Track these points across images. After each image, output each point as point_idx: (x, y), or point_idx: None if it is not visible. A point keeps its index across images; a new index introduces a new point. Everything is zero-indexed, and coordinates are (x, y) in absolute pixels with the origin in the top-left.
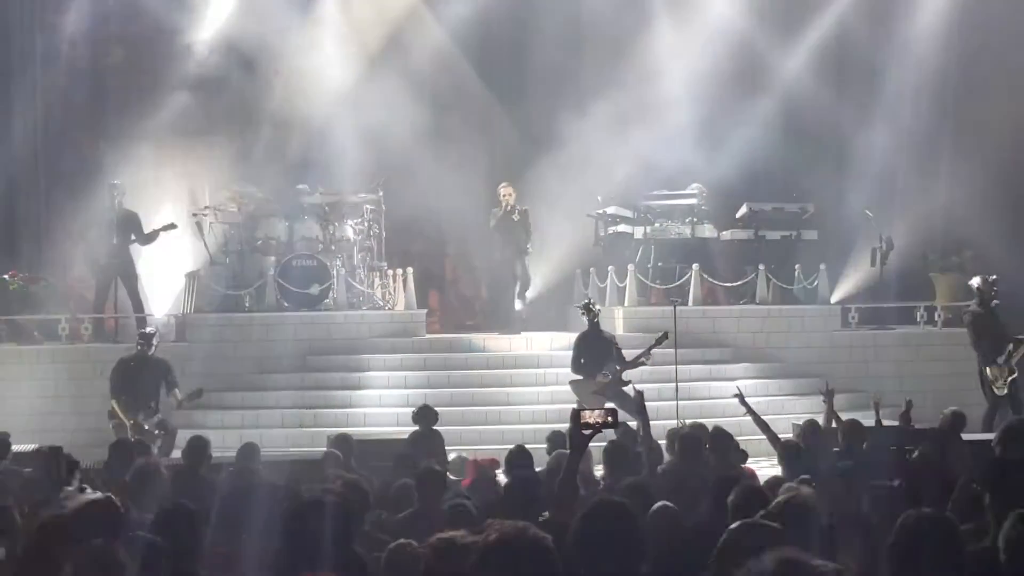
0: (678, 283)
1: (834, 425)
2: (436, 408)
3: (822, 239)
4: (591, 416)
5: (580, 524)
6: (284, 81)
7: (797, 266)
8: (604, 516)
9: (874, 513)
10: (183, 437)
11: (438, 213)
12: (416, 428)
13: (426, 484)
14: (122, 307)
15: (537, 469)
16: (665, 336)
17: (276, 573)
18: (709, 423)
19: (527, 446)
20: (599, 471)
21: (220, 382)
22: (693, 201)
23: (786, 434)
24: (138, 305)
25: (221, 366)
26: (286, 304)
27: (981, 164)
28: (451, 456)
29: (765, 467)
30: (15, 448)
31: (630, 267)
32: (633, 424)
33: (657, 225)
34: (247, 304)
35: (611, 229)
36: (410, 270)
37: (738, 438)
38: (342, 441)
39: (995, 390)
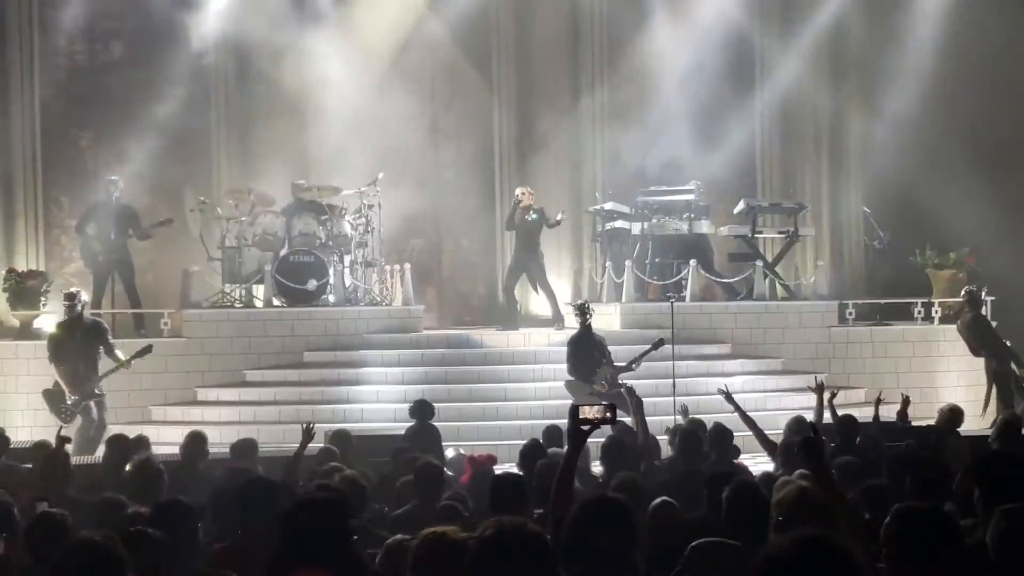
0: (675, 279)
1: (828, 420)
2: (434, 404)
3: (819, 235)
4: (589, 412)
5: (573, 520)
6: (283, 76)
7: (795, 262)
8: (597, 512)
9: (868, 509)
10: (179, 433)
11: (436, 209)
12: (413, 423)
13: (424, 479)
14: (119, 302)
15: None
16: (661, 342)
17: (274, 569)
18: (707, 419)
19: (523, 442)
20: (597, 467)
21: (217, 378)
22: (691, 197)
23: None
24: (136, 300)
25: (218, 362)
26: (283, 300)
27: (978, 160)
28: (448, 452)
29: (763, 463)
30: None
31: (627, 263)
32: (629, 420)
33: (654, 221)
34: (244, 299)
35: (608, 225)
36: (407, 266)
37: (735, 434)
38: (340, 437)
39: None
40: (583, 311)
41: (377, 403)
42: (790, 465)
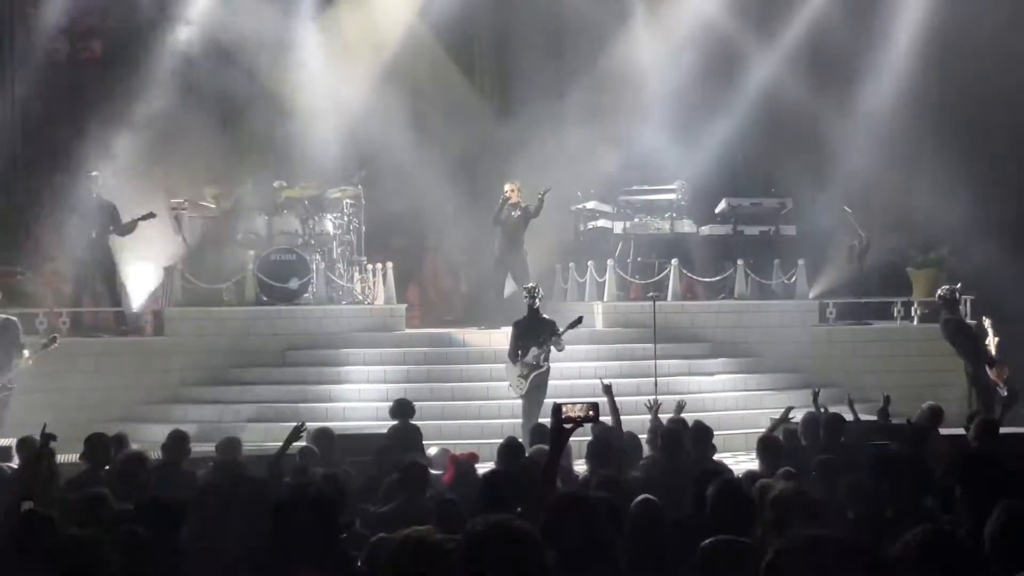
0: (657, 278)
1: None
2: (416, 403)
3: (800, 234)
4: (572, 410)
5: (546, 518)
6: (264, 74)
7: (775, 261)
8: (567, 510)
9: (851, 506)
10: (162, 432)
11: (418, 208)
12: (394, 422)
13: (410, 478)
14: (100, 300)
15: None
16: (580, 320)
17: (259, 568)
18: (688, 418)
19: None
20: (579, 466)
21: (199, 376)
22: (672, 196)
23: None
24: (116, 298)
25: (200, 360)
26: (265, 298)
27: (958, 160)
28: (431, 450)
29: (743, 461)
30: None
31: (609, 262)
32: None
33: (636, 220)
34: (226, 298)
35: (591, 224)
36: (390, 265)
37: (716, 432)
38: (322, 436)
39: (1000, 390)
40: (532, 294)
41: (359, 402)
42: (769, 462)
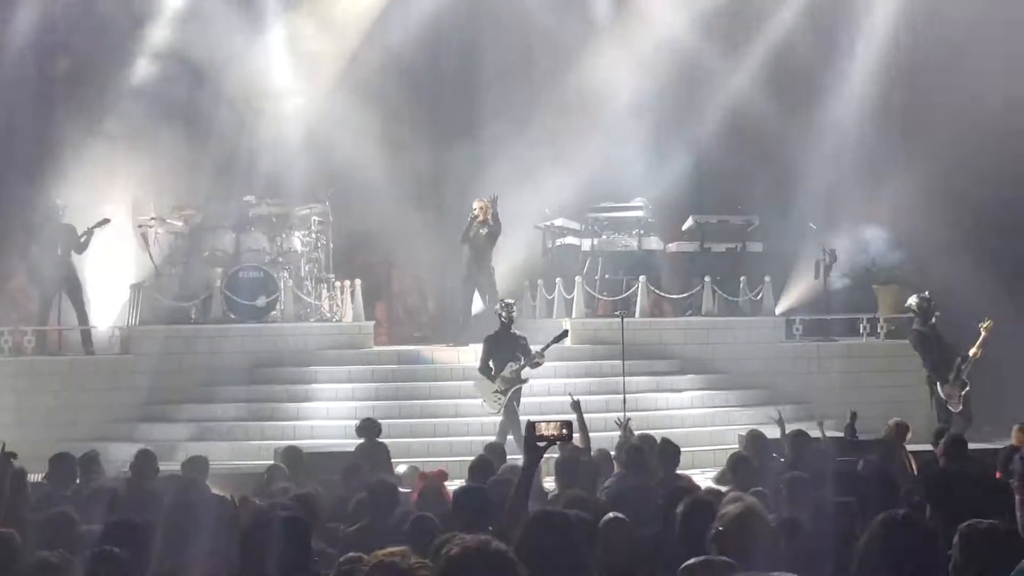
0: (625, 295)
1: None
2: (384, 420)
3: (767, 251)
4: (546, 428)
5: (521, 536)
6: (231, 91)
7: (742, 278)
8: (544, 527)
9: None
10: (129, 451)
11: (385, 225)
12: (360, 441)
13: (378, 496)
14: (66, 319)
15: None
16: (565, 333)
17: None
18: (656, 435)
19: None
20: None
21: (166, 395)
22: (640, 213)
23: (733, 445)
24: (82, 316)
25: (167, 379)
26: (233, 316)
27: (924, 177)
28: (400, 468)
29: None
30: None
31: (577, 279)
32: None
33: (604, 237)
34: (193, 316)
35: (559, 241)
36: (358, 282)
37: (684, 449)
38: (291, 454)
39: (951, 407)
40: (508, 310)
41: (327, 419)
42: (739, 480)
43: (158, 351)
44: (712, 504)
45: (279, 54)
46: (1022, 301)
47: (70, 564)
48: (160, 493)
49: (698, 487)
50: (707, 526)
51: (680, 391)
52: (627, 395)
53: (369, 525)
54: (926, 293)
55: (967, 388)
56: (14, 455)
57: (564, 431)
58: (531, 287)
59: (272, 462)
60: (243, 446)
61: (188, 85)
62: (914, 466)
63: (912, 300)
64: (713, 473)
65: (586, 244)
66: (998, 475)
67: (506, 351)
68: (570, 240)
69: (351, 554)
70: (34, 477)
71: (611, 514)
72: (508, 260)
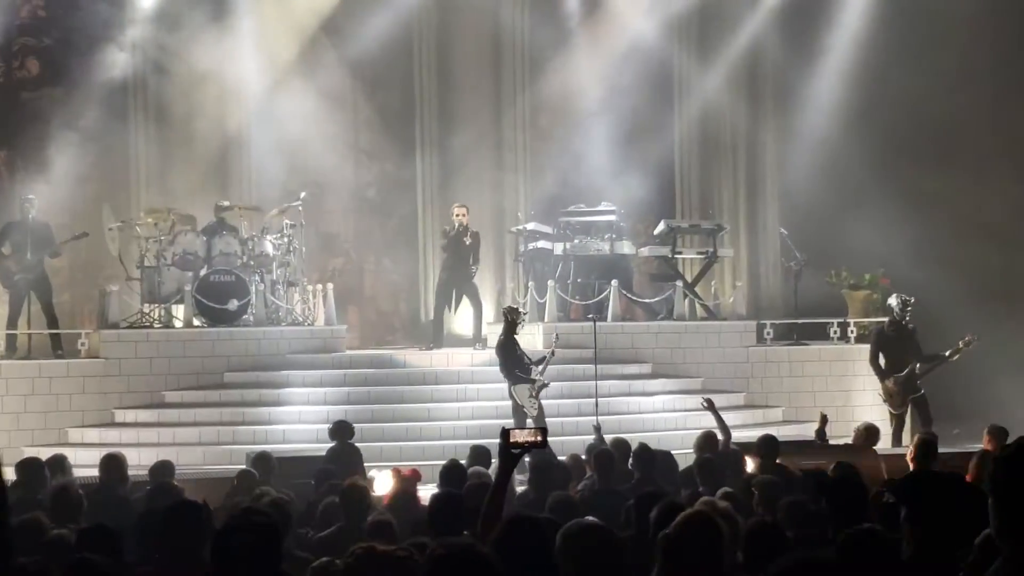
0: (597, 299)
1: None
2: (357, 424)
3: (738, 256)
4: (520, 435)
5: (497, 540)
6: (203, 95)
7: (714, 282)
8: (518, 532)
9: (789, 527)
10: (97, 456)
11: (357, 228)
12: (333, 444)
13: (350, 500)
14: (35, 322)
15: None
16: (557, 337)
17: None
18: (630, 439)
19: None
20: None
21: (136, 399)
22: (612, 218)
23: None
24: (53, 320)
25: (137, 383)
26: (204, 320)
27: (894, 182)
28: (371, 472)
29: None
30: None
31: (550, 283)
32: None
33: (576, 241)
34: (164, 320)
35: (531, 245)
36: (330, 286)
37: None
38: (262, 460)
39: (890, 407)
40: (515, 315)
41: (299, 424)
42: (707, 482)
43: (128, 355)
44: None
45: (251, 59)
46: (993, 306)
47: (48, 570)
48: (130, 498)
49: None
50: None
51: (652, 395)
52: (599, 399)
53: (341, 529)
54: (908, 298)
55: (918, 394)
56: None
57: (539, 438)
58: (503, 291)
59: (243, 467)
60: (214, 451)
61: (159, 89)
62: (884, 470)
63: (892, 300)
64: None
65: (558, 248)
66: (969, 478)
67: (522, 356)
68: (542, 244)
69: (324, 559)
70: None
71: (587, 519)
72: (480, 264)
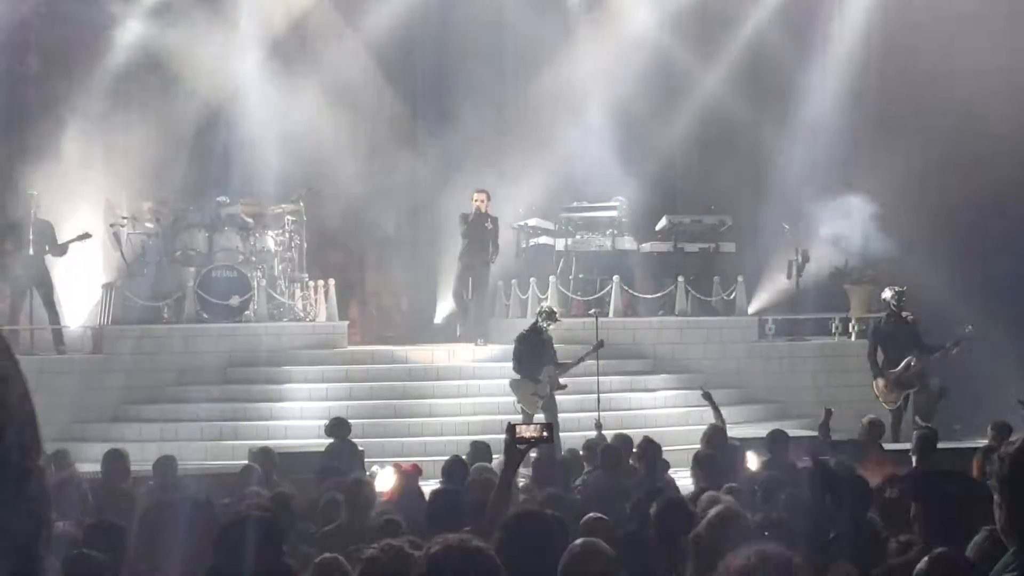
0: (599, 295)
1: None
2: (358, 420)
3: (740, 251)
4: (526, 431)
5: (500, 536)
6: (206, 91)
7: (715, 278)
8: (522, 527)
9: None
10: (101, 451)
11: (358, 224)
12: (331, 441)
13: (355, 496)
14: (37, 318)
15: None
16: (601, 344)
17: None
18: (632, 434)
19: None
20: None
21: (138, 395)
22: (614, 214)
23: None
24: (54, 316)
25: (139, 378)
26: (206, 316)
27: (896, 177)
28: (373, 468)
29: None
30: None
31: (552, 279)
32: None
33: (578, 237)
34: (166, 315)
35: (532, 241)
36: (331, 282)
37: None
38: (264, 455)
39: (885, 404)
40: (551, 315)
41: (301, 419)
42: (707, 477)
43: (130, 351)
44: (686, 503)
45: (254, 55)
46: (995, 304)
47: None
48: (133, 493)
49: (676, 487)
50: (682, 525)
51: (653, 391)
52: (601, 394)
53: (345, 525)
54: (899, 288)
55: (911, 390)
56: None
57: (544, 433)
58: (505, 287)
59: (246, 462)
60: (216, 446)
61: (161, 84)
62: (888, 465)
63: (886, 293)
64: (686, 472)
65: (560, 244)
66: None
67: (539, 351)
68: (544, 240)
69: (327, 554)
70: None
71: (591, 514)
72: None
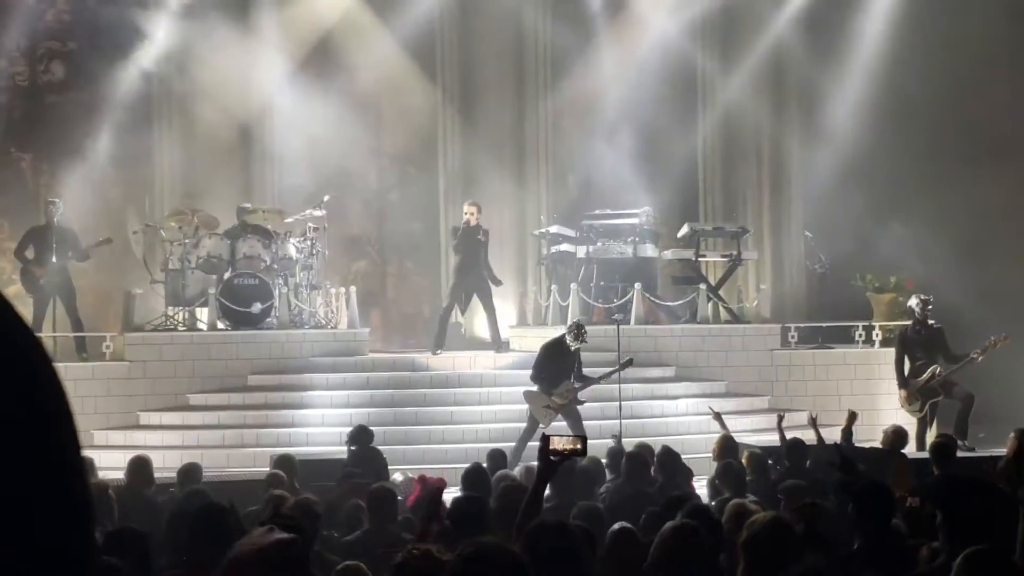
0: (620, 302)
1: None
2: (380, 427)
3: (762, 259)
4: (559, 443)
5: (522, 546)
6: (226, 98)
7: (738, 285)
8: (544, 536)
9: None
10: (122, 458)
11: (380, 231)
12: (353, 448)
13: (379, 504)
14: (60, 325)
15: None
16: (630, 362)
17: None
18: (652, 442)
19: (468, 465)
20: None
21: (160, 401)
22: (635, 221)
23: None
24: (77, 323)
25: (161, 385)
26: (228, 323)
27: (918, 184)
28: (395, 476)
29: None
30: None
31: (573, 286)
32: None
33: (599, 244)
34: (188, 323)
35: (554, 248)
36: (353, 289)
37: (683, 457)
38: (285, 462)
39: (909, 412)
40: (571, 328)
41: (322, 427)
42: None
43: (152, 358)
44: (709, 511)
45: (274, 62)
46: (1016, 311)
47: None
48: (156, 501)
49: (698, 496)
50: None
51: (675, 398)
52: (622, 402)
53: (368, 532)
54: (925, 296)
55: (937, 399)
56: None
57: (579, 446)
58: (525, 294)
59: (268, 469)
60: (238, 453)
61: (183, 92)
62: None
63: (912, 301)
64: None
65: (581, 251)
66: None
67: (561, 364)
68: (565, 247)
69: (348, 562)
70: None
71: (619, 524)
72: (503, 267)
